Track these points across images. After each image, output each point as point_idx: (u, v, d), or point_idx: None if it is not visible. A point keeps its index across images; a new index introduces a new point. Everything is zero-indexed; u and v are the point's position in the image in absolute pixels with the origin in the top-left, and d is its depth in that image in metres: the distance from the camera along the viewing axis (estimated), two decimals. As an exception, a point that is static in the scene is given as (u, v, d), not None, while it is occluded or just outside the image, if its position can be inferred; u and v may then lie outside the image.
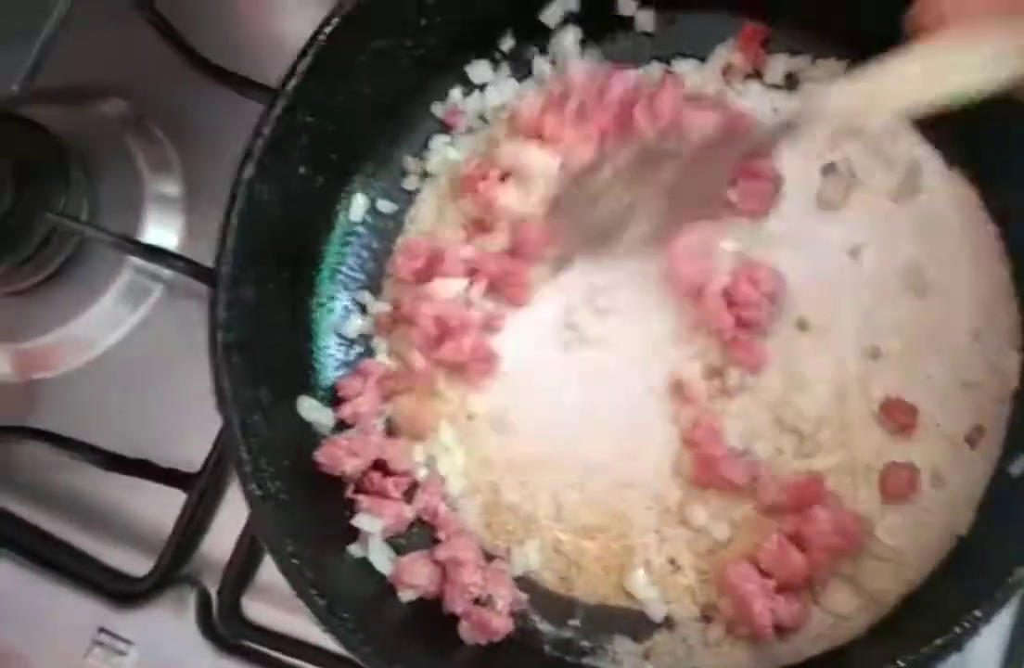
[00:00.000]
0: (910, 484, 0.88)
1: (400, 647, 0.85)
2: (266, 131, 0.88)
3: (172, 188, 1.13)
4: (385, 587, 0.90)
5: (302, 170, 0.93)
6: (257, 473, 0.83)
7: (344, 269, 0.99)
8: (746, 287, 0.91)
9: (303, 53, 0.89)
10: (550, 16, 0.98)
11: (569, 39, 0.98)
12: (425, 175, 1.01)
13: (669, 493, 0.93)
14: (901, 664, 0.75)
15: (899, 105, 0.78)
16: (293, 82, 0.88)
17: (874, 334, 0.92)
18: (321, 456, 0.90)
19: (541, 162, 0.92)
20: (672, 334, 0.95)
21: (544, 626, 0.93)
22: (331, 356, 0.98)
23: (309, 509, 0.87)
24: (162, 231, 1.11)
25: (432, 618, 0.90)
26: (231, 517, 1.01)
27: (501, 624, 0.89)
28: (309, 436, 0.93)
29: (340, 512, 0.91)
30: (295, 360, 0.95)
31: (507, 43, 1.00)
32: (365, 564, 0.91)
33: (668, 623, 0.91)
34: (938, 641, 0.74)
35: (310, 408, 0.93)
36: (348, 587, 0.85)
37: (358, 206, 1.00)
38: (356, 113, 0.95)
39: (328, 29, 0.89)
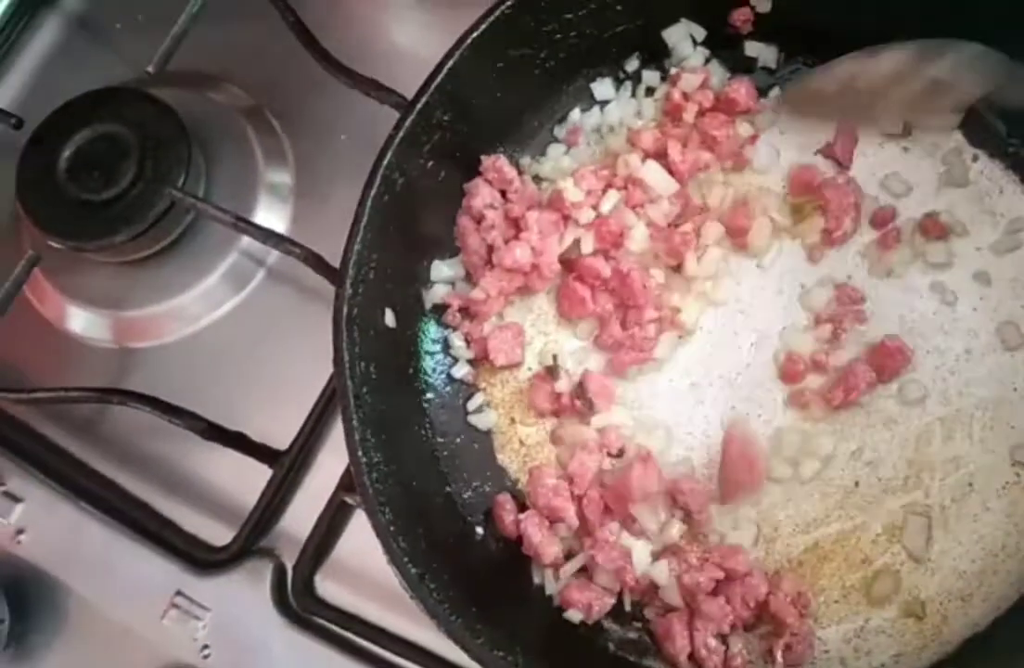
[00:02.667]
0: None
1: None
2: (408, 123, 0.92)
3: (284, 177, 1.17)
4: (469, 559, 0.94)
5: (429, 165, 0.97)
6: (364, 442, 0.86)
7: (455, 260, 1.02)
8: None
9: (449, 54, 0.93)
10: (675, 37, 1.03)
11: (694, 63, 1.03)
12: (537, 178, 1.04)
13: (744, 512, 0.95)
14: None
15: None
16: (437, 80, 0.93)
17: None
18: None
19: (662, 183, 0.97)
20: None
21: (609, 624, 0.94)
22: (434, 341, 1.01)
23: (406, 482, 0.90)
24: (271, 217, 1.15)
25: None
26: (312, 496, 1.04)
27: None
28: (406, 414, 0.96)
29: (436, 488, 0.95)
30: (400, 343, 0.98)
31: (632, 64, 1.04)
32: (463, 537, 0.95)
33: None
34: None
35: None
36: (438, 562, 0.87)
37: (473, 202, 1.03)
38: (486, 116, 1.00)
39: (475, 34, 0.94)
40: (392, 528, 0.84)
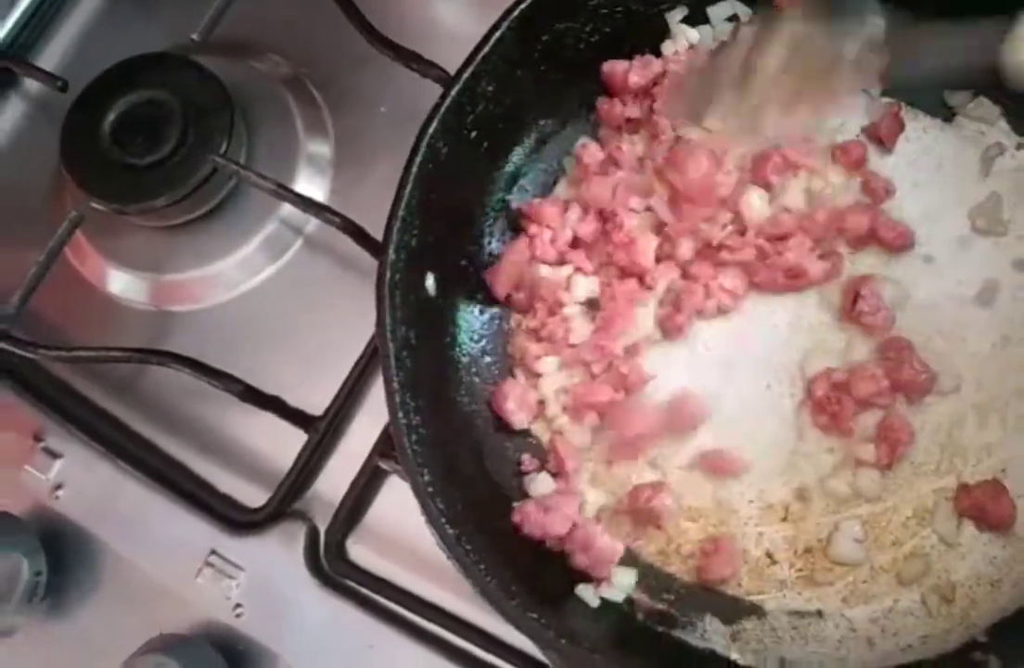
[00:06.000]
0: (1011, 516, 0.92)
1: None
2: (453, 93, 0.93)
3: (323, 149, 1.18)
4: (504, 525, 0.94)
5: (473, 135, 0.98)
6: (404, 404, 0.88)
7: (494, 231, 1.03)
8: None
9: (496, 25, 0.94)
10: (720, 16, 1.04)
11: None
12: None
13: (774, 491, 0.96)
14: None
15: None
16: (484, 50, 0.94)
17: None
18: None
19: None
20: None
21: (639, 595, 0.95)
22: (470, 310, 1.02)
23: (443, 446, 0.91)
24: (311, 188, 1.15)
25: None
26: (345, 462, 1.06)
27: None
28: (443, 381, 0.98)
29: (470, 456, 0.96)
30: (440, 311, 0.99)
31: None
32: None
33: (758, 611, 0.94)
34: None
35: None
36: (474, 524, 0.88)
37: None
38: (530, 89, 1.00)
39: (522, 6, 0.95)
40: (430, 489, 0.85)
